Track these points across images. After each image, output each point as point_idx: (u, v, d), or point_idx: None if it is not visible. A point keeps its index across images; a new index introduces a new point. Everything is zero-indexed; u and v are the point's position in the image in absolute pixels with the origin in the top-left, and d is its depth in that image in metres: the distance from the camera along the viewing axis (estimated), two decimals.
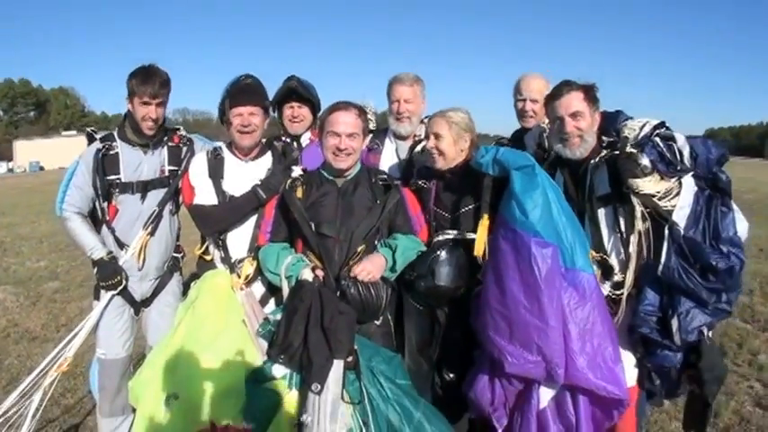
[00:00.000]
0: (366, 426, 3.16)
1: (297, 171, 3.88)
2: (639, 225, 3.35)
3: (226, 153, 4.03)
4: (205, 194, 3.92)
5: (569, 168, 3.63)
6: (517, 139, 4.57)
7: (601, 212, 3.51)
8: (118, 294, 4.05)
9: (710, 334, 3.38)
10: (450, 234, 3.73)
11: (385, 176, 3.84)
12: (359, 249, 3.53)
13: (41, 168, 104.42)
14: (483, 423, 3.64)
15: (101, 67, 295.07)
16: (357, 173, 3.73)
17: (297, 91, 4.59)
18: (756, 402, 5.48)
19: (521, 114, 4.66)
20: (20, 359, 6.76)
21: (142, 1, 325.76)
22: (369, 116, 4.44)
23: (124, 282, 4.01)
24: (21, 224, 19.50)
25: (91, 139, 4.12)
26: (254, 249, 3.83)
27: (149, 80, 3.90)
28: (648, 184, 3.26)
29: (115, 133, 4.07)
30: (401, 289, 3.80)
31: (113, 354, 4.10)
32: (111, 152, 3.98)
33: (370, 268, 3.43)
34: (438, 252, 3.65)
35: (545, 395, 3.31)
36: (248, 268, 3.76)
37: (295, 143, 4.68)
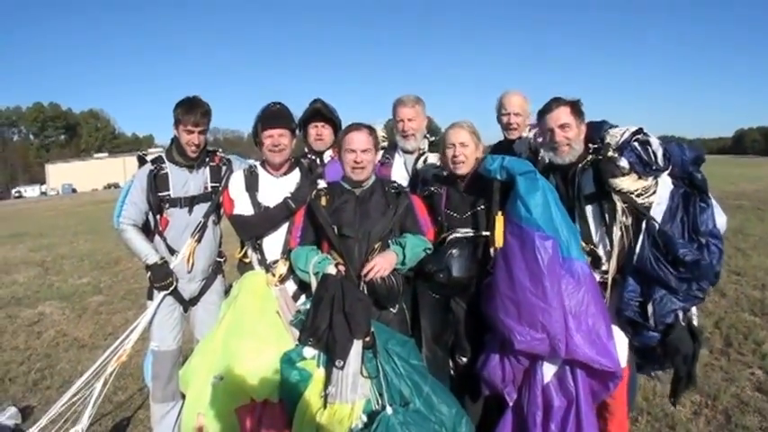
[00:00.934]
0: (382, 397, 3.58)
1: (322, 184, 4.36)
2: (621, 219, 3.77)
3: (260, 170, 4.50)
4: (243, 206, 4.38)
5: (560, 172, 4.02)
6: (502, 149, 5.00)
7: (588, 209, 3.92)
8: (169, 294, 4.50)
9: (682, 316, 3.78)
10: (463, 232, 4.10)
11: (396, 185, 4.27)
12: (375, 246, 3.97)
13: (74, 191, 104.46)
14: (496, 401, 3.99)
15: (129, 89, 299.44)
16: (372, 183, 4.19)
17: (321, 112, 5.08)
18: (757, 388, 5.63)
19: (506, 127, 5.17)
20: (71, 364, 7.18)
21: (170, 24, 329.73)
22: (380, 134, 4.89)
23: (175, 283, 4.47)
24: (60, 244, 20.00)
25: (141, 161, 4.60)
26: (287, 252, 4.25)
27: (192, 110, 4.40)
28: (627, 183, 3.68)
29: (164, 155, 4.55)
30: (417, 284, 4.19)
31: (166, 346, 4.56)
32: (162, 172, 4.46)
33: (382, 263, 3.87)
34: (452, 250, 4.03)
35: (548, 371, 3.71)
36: (282, 268, 4.19)
37: (318, 159, 5.11)
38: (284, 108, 4.54)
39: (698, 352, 3.94)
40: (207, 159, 4.64)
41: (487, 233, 3.98)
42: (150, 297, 4.61)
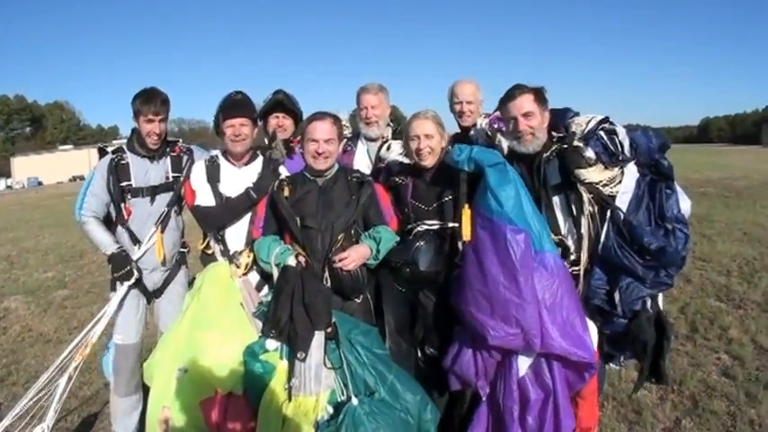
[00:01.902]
0: (346, 387, 3.57)
1: (284, 173, 4.36)
2: (587, 209, 3.74)
3: (221, 160, 4.45)
4: (205, 197, 4.34)
5: (525, 162, 3.95)
6: (460, 139, 4.88)
7: (555, 200, 3.87)
8: (132, 285, 4.45)
9: (650, 303, 3.79)
10: (430, 224, 4.07)
11: (358, 174, 4.25)
12: (339, 238, 3.93)
13: (40, 184, 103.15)
14: (462, 393, 4.00)
15: (94, 81, 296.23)
16: (335, 173, 4.15)
17: (283, 103, 5.03)
18: (723, 372, 5.74)
19: (459, 115, 5.12)
20: (36, 359, 7.09)
21: (134, 14, 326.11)
22: (343, 123, 4.86)
23: (135, 272, 4.40)
24: (25, 238, 19.75)
25: (102, 153, 4.54)
26: (250, 243, 4.21)
27: (151, 100, 4.36)
28: (593, 174, 3.65)
29: (125, 146, 4.51)
30: (379, 276, 4.14)
31: (129, 339, 4.52)
32: (123, 162, 4.42)
33: (355, 256, 3.84)
34: (419, 243, 4.00)
35: (523, 364, 3.66)
36: (246, 259, 4.12)
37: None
38: (246, 97, 4.49)
39: (665, 344, 3.89)
40: (168, 149, 4.59)
41: (454, 225, 3.96)
42: (113, 289, 4.56)
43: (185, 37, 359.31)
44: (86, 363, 4.52)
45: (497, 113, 4.68)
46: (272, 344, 3.71)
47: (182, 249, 4.79)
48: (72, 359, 4.34)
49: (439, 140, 4.12)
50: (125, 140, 4.66)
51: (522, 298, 3.44)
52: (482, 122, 4.87)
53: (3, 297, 10.68)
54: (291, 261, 3.83)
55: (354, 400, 3.49)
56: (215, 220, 4.34)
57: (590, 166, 3.64)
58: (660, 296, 3.95)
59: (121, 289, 4.44)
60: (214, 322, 3.83)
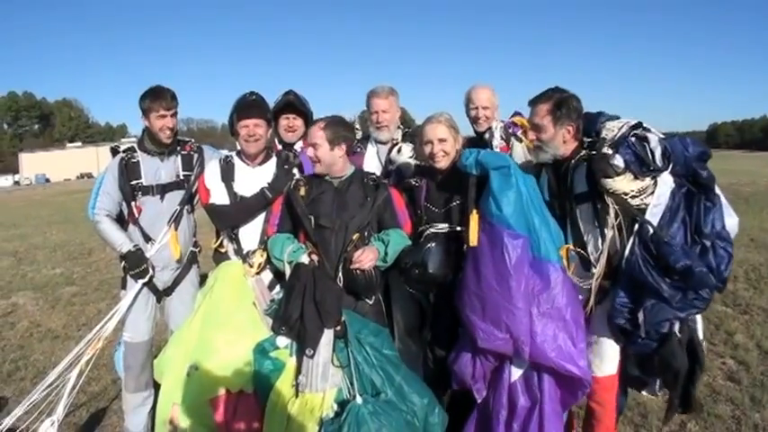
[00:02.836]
0: (353, 386, 3.62)
1: (298, 174, 4.43)
2: (613, 221, 3.51)
3: (236, 160, 4.52)
4: (219, 196, 4.40)
5: (553, 167, 3.89)
6: (474, 142, 4.87)
7: (580, 209, 3.73)
8: (146, 283, 4.48)
9: (678, 328, 3.53)
10: (441, 227, 4.08)
11: (374, 177, 4.29)
12: (353, 238, 3.97)
13: (47, 180, 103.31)
14: (464, 396, 3.98)
15: (103, 79, 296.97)
16: (350, 174, 4.19)
17: (293, 104, 5.08)
18: (728, 377, 5.73)
19: (474, 120, 5.13)
20: (44, 355, 7.14)
21: (144, 13, 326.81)
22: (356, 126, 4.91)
23: (150, 270, 4.45)
24: (33, 234, 19.90)
25: (115, 153, 4.60)
26: (264, 242, 4.26)
27: (161, 96, 4.42)
28: (621, 184, 3.44)
29: (135, 145, 4.56)
30: (390, 278, 4.18)
31: (139, 337, 4.56)
32: (133, 160, 4.47)
33: (370, 255, 3.87)
34: (429, 245, 4.00)
35: (515, 371, 3.68)
36: (259, 258, 4.18)
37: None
38: (260, 98, 4.55)
39: (698, 372, 3.69)
40: (178, 148, 4.64)
41: (461, 229, 3.96)
42: (124, 287, 4.62)
43: (194, 36, 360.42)
44: (96, 358, 4.53)
45: (512, 119, 4.72)
46: (282, 341, 3.76)
47: (193, 248, 4.83)
48: (84, 354, 4.38)
49: (453, 143, 4.12)
50: (134, 139, 4.72)
51: (513, 304, 3.43)
52: (495, 125, 4.96)
53: (10, 293, 10.75)
54: (305, 259, 3.87)
55: (359, 399, 3.54)
56: (229, 218, 4.40)
57: (618, 174, 3.43)
58: (699, 321, 3.75)
59: (135, 286, 4.49)
60: (226, 321, 3.88)
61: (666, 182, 3.50)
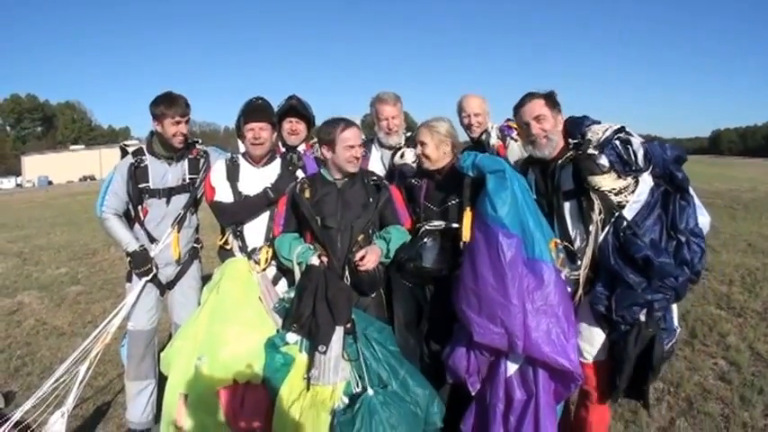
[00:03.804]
0: (362, 379, 3.79)
1: (302, 175, 4.61)
2: (596, 217, 3.70)
3: (241, 160, 4.68)
4: (223, 194, 4.57)
5: (539, 167, 4.07)
6: (474, 147, 5.12)
7: (566, 206, 3.90)
8: (149, 280, 4.67)
9: (646, 316, 3.63)
10: (437, 224, 4.26)
11: (376, 177, 4.47)
12: (359, 239, 4.15)
13: (50, 183, 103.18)
14: (463, 391, 4.06)
15: (106, 81, 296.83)
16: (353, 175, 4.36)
17: (296, 108, 5.22)
18: (720, 377, 5.84)
19: (467, 128, 5.36)
20: (51, 351, 7.27)
21: (147, 17, 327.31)
22: None
23: (154, 269, 4.65)
24: (37, 235, 19.94)
25: (123, 152, 4.79)
26: (269, 240, 4.43)
27: (176, 103, 4.60)
28: (605, 181, 3.63)
29: (144, 148, 4.72)
30: (390, 272, 4.33)
31: (141, 326, 4.77)
32: (142, 165, 4.64)
33: (373, 257, 4.03)
34: (425, 240, 4.21)
35: (511, 366, 3.78)
36: (265, 255, 4.34)
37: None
38: (266, 103, 4.72)
39: (649, 374, 3.74)
40: (186, 152, 4.82)
41: (457, 226, 4.13)
42: (129, 280, 4.81)
43: (197, 40, 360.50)
44: (102, 354, 4.69)
45: (506, 122, 4.88)
46: (292, 337, 3.90)
47: (195, 245, 5.03)
48: (92, 348, 4.53)
49: (433, 148, 4.35)
50: (137, 141, 4.88)
51: (508, 299, 3.56)
52: (491, 129, 5.13)
53: (16, 292, 10.84)
54: (315, 261, 4.03)
55: (370, 391, 3.71)
56: (231, 215, 4.55)
57: (603, 173, 3.64)
58: (675, 313, 3.87)
59: (139, 283, 4.68)
60: (233, 315, 4.01)
61: (646, 181, 3.67)
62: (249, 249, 4.47)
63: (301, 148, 5.32)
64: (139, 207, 4.69)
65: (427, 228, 4.29)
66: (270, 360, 3.88)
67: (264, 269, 4.35)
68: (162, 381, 4.34)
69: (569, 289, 3.83)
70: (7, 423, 4.27)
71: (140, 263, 4.62)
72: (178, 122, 4.58)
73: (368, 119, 5.49)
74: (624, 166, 3.63)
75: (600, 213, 3.72)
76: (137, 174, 4.63)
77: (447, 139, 4.37)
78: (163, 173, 4.70)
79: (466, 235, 3.97)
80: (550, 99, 3.98)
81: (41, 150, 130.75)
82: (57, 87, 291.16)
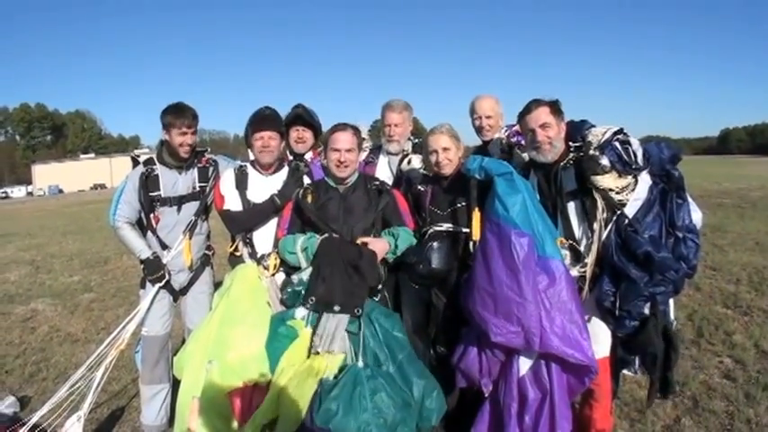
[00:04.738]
0: (356, 355, 3.86)
1: (307, 181, 4.69)
2: (600, 215, 3.90)
3: (250, 169, 4.78)
4: (233, 202, 4.67)
5: (542, 170, 4.20)
6: (481, 152, 5.17)
7: (570, 206, 4.07)
8: (162, 286, 4.77)
9: (652, 310, 3.87)
10: (444, 226, 4.37)
11: (378, 182, 4.56)
12: (359, 243, 4.20)
13: (61, 191, 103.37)
14: (472, 392, 4.19)
15: (116, 90, 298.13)
16: (355, 180, 4.47)
17: (303, 117, 5.36)
18: (725, 375, 5.87)
19: (478, 130, 5.36)
20: (65, 357, 7.37)
21: (157, 26, 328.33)
22: (363, 136, 5.15)
23: (167, 276, 4.76)
24: (49, 244, 20.09)
25: (135, 162, 4.90)
26: (277, 245, 4.48)
27: (184, 115, 4.70)
28: (607, 181, 3.82)
29: (155, 157, 4.83)
30: (398, 277, 4.44)
31: (154, 331, 4.88)
32: (153, 174, 4.75)
33: (377, 244, 4.17)
34: (432, 242, 4.30)
35: (524, 365, 3.86)
36: (274, 261, 4.42)
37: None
38: (274, 112, 4.82)
39: (673, 357, 4.01)
40: (195, 161, 4.92)
41: (467, 230, 4.23)
42: (143, 286, 4.91)
43: (207, 49, 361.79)
44: (117, 360, 4.78)
45: (515, 128, 4.96)
46: (300, 312, 4.03)
47: (206, 252, 5.14)
48: (107, 353, 4.63)
49: (455, 151, 4.43)
50: (147, 149, 4.99)
51: (524, 297, 3.64)
52: (499, 136, 5.17)
53: (29, 299, 10.94)
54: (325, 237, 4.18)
55: (360, 363, 3.80)
56: (241, 223, 4.65)
57: (605, 173, 3.81)
58: (671, 306, 4.11)
59: (152, 290, 4.78)
60: (242, 319, 4.08)
61: (645, 180, 3.86)
62: (258, 256, 4.56)
63: (308, 155, 5.43)
64: (151, 215, 4.79)
65: (434, 230, 4.39)
66: (273, 332, 3.97)
67: (273, 274, 4.43)
68: (176, 385, 4.39)
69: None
70: (25, 427, 4.35)
71: (153, 270, 4.72)
72: (184, 133, 4.68)
73: (378, 125, 5.57)
74: (624, 166, 3.81)
75: (603, 212, 3.89)
76: (148, 183, 4.72)
77: (461, 144, 4.50)
78: (173, 181, 4.81)
79: (477, 234, 4.10)
80: (555, 107, 4.13)
81: (51, 159, 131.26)
82: (66, 96, 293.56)
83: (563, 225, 4.07)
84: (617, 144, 3.83)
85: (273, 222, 4.62)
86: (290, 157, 5.35)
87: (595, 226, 3.93)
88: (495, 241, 3.81)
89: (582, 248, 4.04)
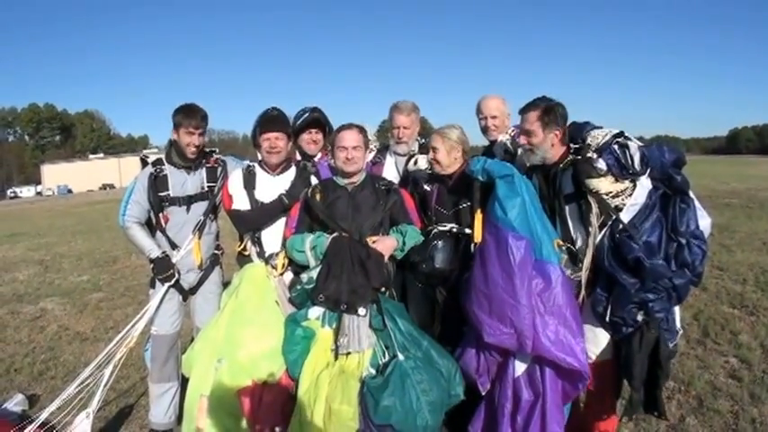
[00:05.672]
0: (388, 349, 3.92)
1: (315, 181, 4.73)
2: (594, 219, 3.87)
3: (257, 169, 4.83)
4: (241, 202, 4.71)
5: (542, 172, 4.20)
6: (488, 151, 5.20)
7: (567, 208, 4.05)
8: (172, 285, 4.81)
9: (644, 318, 3.77)
10: (447, 226, 4.41)
11: (385, 182, 4.62)
12: (367, 241, 4.23)
13: (70, 191, 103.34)
14: (472, 392, 4.13)
15: (125, 90, 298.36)
16: (363, 179, 4.51)
17: (320, 121, 5.35)
18: (731, 375, 5.87)
19: (484, 130, 5.37)
20: (74, 356, 7.42)
21: (166, 26, 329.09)
22: (371, 136, 5.18)
23: (176, 275, 4.79)
24: (58, 244, 20.16)
25: (144, 163, 4.96)
26: (284, 245, 4.52)
27: (192, 114, 4.75)
28: (603, 184, 3.77)
29: (163, 158, 4.88)
30: (405, 276, 4.49)
31: (164, 330, 4.92)
32: (162, 174, 4.79)
33: (385, 242, 4.22)
34: (436, 242, 4.35)
35: (519, 366, 3.91)
36: (282, 260, 4.46)
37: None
38: (281, 113, 4.87)
39: (660, 376, 3.86)
40: (203, 161, 4.96)
41: (470, 231, 4.25)
42: (153, 286, 4.95)
43: (216, 49, 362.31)
44: (125, 358, 4.82)
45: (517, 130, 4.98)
46: (314, 312, 4.07)
47: (216, 251, 5.17)
48: (116, 352, 4.67)
49: (444, 153, 4.50)
50: (156, 149, 5.03)
51: (517, 300, 3.67)
52: (503, 138, 5.15)
53: (39, 299, 11.01)
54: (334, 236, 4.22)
55: (401, 356, 3.82)
56: (249, 222, 4.70)
57: (600, 176, 3.76)
58: (677, 314, 4.00)
59: (162, 289, 4.82)
60: (251, 318, 4.14)
61: (644, 185, 3.78)
62: (267, 255, 4.60)
63: (318, 156, 5.45)
64: (160, 215, 4.83)
65: (438, 230, 4.43)
66: (290, 334, 4.01)
67: (281, 274, 4.46)
68: (184, 383, 4.45)
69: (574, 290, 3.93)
70: (33, 424, 4.39)
71: (162, 269, 4.75)
72: (191, 133, 4.72)
73: (386, 125, 5.60)
74: (621, 170, 3.76)
75: (598, 215, 3.86)
76: (157, 183, 4.77)
77: (458, 146, 4.50)
78: (182, 181, 4.85)
79: (477, 235, 4.10)
80: (546, 115, 4.05)
81: (60, 159, 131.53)
82: (75, 97, 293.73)
83: (561, 228, 4.08)
84: (615, 147, 3.80)
85: (281, 222, 4.66)
86: (299, 158, 5.38)
87: (591, 230, 3.91)
88: (493, 243, 3.84)
89: (579, 251, 4.03)
